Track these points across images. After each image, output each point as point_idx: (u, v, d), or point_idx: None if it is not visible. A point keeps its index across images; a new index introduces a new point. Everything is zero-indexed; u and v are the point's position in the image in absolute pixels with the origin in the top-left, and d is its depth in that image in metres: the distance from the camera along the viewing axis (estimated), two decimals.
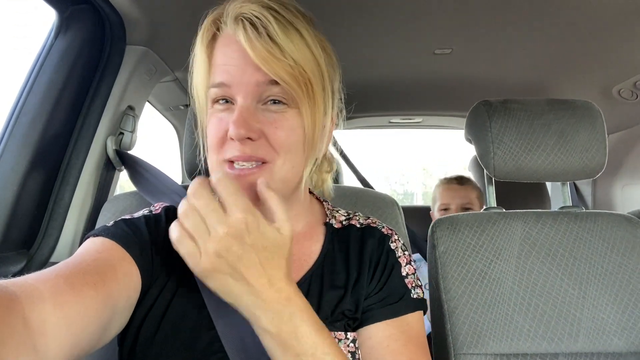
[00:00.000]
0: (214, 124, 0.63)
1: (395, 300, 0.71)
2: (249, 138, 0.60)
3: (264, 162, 0.62)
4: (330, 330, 0.65)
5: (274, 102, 0.62)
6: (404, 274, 0.75)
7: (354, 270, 0.72)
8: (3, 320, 0.40)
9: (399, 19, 1.27)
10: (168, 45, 1.27)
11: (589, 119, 1.05)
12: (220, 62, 0.63)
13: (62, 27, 1.04)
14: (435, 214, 1.86)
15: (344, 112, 0.80)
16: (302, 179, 0.67)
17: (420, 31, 1.35)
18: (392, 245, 0.76)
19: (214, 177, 0.54)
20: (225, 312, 0.63)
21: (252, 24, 0.59)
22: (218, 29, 0.64)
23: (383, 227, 0.79)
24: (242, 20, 0.60)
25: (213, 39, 0.65)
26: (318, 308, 0.67)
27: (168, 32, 1.22)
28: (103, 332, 0.53)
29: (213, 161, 0.65)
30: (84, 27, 1.06)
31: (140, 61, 1.20)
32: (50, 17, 1.05)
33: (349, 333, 0.67)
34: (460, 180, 1.84)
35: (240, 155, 0.61)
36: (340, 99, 0.75)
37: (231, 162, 0.62)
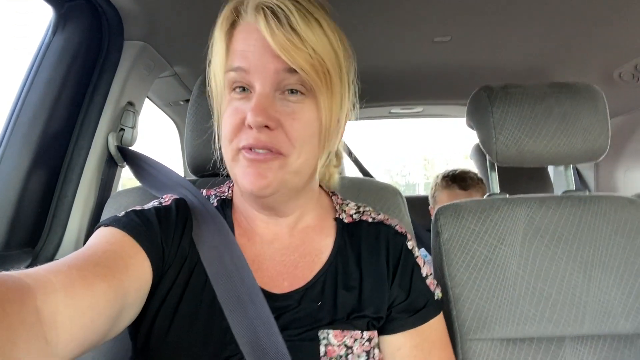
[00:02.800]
0: (231, 112, 0.63)
1: (421, 306, 0.72)
2: (266, 127, 0.60)
3: (279, 154, 0.62)
4: (347, 329, 0.66)
5: (292, 91, 0.62)
6: (424, 275, 0.75)
7: (368, 269, 0.72)
8: (16, 312, 0.41)
9: (397, 7, 1.26)
10: (166, 40, 1.26)
11: (591, 101, 1.04)
12: (239, 48, 0.62)
13: (60, 24, 1.04)
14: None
15: (357, 105, 0.79)
16: (316, 171, 0.67)
17: (419, 19, 1.34)
18: (409, 245, 0.76)
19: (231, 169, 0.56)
20: (236, 305, 0.63)
21: (274, 13, 0.59)
22: (238, 16, 0.64)
23: (396, 225, 0.79)
24: (263, 8, 0.60)
25: (232, 27, 0.65)
26: (334, 309, 0.67)
27: (166, 27, 1.21)
28: (113, 324, 0.54)
29: (228, 151, 0.64)
30: (82, 23, 1.06)
31: (139, 56, 1.20)
32: (48, 15, 1.05)
33: (364, 332, 0.67)
34: (464, 185, 1.73)
35: (256, 143, 0.60)
36: (355, 93, 0.75)
37: (246, 150, 0.62)
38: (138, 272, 0.59)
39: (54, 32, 1.04)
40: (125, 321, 0.58)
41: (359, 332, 0.67)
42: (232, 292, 0.64)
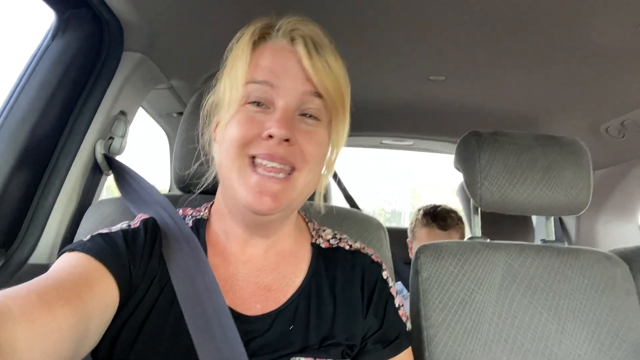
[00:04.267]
0: (245, 120, 0.64)
1: (394, 337, 0.73)
2: (286, 140, 0.62)
3: (292, 170, 0.64)
4: (319, 357, 0.65)
5: (309, 116, 0.66)
6: (396, 305, 0.76)
7: (342, 296, 0.72)
8: None
9: (395, 44, 1.28)
10: (165, 53, 1.27)
11: (575, 156, 1.07)
12: (266, 64, 0.65)
13: (60, 28, 1.04)
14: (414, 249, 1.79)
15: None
16: (313, 193, 0.70)
17: (416, 57, 1.37)
18: (384, 275, 0.77)
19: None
20: (204, 329, 0.62)
21: (312, 40, 0.66)
22: (264, 37, 0.68)
23: (372, 254, 0.79)
24: (301, 35, 0.66)
25: (256, 43, 0.68)
26: (305, 334, 0.67)
27: (166, 40, 1.22)
28: (77, 348, 0.52)
29: (234, 159, 0.64)
30: (82, 30, 1.06)
31: (137, 67, 1.20)
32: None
33: None
34: (443, 225, 1.73)
35: (273, 154, 0.62)
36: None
37: (252, 160, 0.63)
38: (103, 294, 0.58)
39: (54, 36, 1.04)
40: (89, 345, 0.57)
41: None
42: (200, 314, 0.63)
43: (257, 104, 0.65)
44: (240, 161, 0.64)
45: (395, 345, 0.72)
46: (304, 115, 0.65)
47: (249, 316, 0.67)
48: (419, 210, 1.84)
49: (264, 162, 0.62)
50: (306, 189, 0.67)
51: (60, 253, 0.63)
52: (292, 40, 0.66)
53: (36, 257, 1.06)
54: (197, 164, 0.80)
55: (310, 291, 0.71)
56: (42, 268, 0.75)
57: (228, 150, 0.65)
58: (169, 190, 2.00)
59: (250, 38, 0.67)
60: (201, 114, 0.75)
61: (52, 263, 0.60)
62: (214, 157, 0.75)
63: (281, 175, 0.63)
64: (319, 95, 0.65)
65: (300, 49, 0.64)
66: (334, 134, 0.69)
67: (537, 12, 1.06)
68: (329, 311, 0.70)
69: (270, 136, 0.61)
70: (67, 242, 1.10)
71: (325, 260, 0.76)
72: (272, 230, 0.73)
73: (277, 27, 0.68)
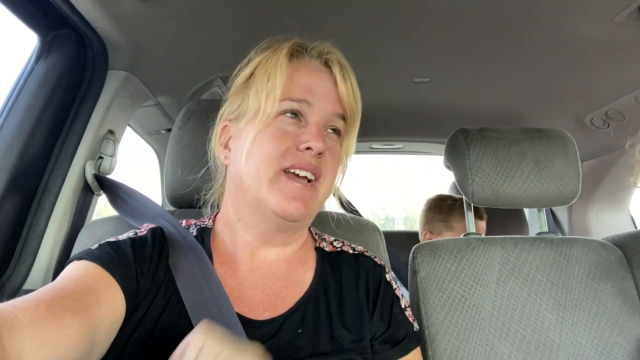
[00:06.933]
0: (279, 134, 0.68)
1: (402, 337, 0.73)
2: (319, 153, 0.67)
3: (316, 180, 0.68)
4: None
5: (334, 131, 0.72)
6: (403, 306, 0.76)
7: (349, 298, 0.72)
8: None
9: (379, 48, 1.30)
10: (151, 71, 1.27)
11: (562, 147, 1.08)
12: (304, 82, 0.70)
13: (44, 51, 1.04)
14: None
15: None
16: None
17: (400, 60, 1.38)
18: (387, 277, 0.78)
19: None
20: None
21: (340, 64, 0.73)
22: (295, 55, 0.73)
23: (375, 257, 0.81)
24: (336, 60, 0.73)
25: (289, 60, 0.72)
26: (315, 339, 0.66)
27: (151, 58, 1.22)
28: (84, 359, 0.52)
29: (267, 170, 0.67)
30: (66, 51, 1.06)
31: (123, 86, 1.20)
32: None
33: None
34: (482, 215, 1.63)
35: (305, 165, 0.66)
36: None
37: (286, 171, 0.66)
38: (110, 305, 0.58)
39: (37, 59, 1.04)
40: (96, 355, 0.56)
41: None
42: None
43: (293, 115, 0.69)
44: (272, 172, 0.66)
45: (404, 346, 0.72)
46: (329, 130, 0.71)
47: (257, 320, 0.66)
48: (439, 205, 1.71)
49: (296, 171, 0.66)
50: (324, 198, 0.72)
51: (67, 262, 0.63)
52: (326, 63, 0.73)
53: (30, 283, 1.05)
54: (198, 178, 0.81)
55: (318, 294, 0.71)
56: None
57: (259, 161, 0.67)
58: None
59: (286, 54, 0.71)
60: (217, 123, 0.77)
61: None
62: (225, 167, 0.77)
63: (308, 184, 0.67)
64: (344, 117, 0.72)
65: (337, 72, 0.71)
66: (347, 150, 0.77)
67: (516, 8, 1.07)
68: (337, 314, 0.70)
69: (309, 148, 0.66)
70: (61, 266, 1.09)
71: (330, 265, 0.76)
72: (288, 238, 0.75)
73: (309, 48, 0.74)
